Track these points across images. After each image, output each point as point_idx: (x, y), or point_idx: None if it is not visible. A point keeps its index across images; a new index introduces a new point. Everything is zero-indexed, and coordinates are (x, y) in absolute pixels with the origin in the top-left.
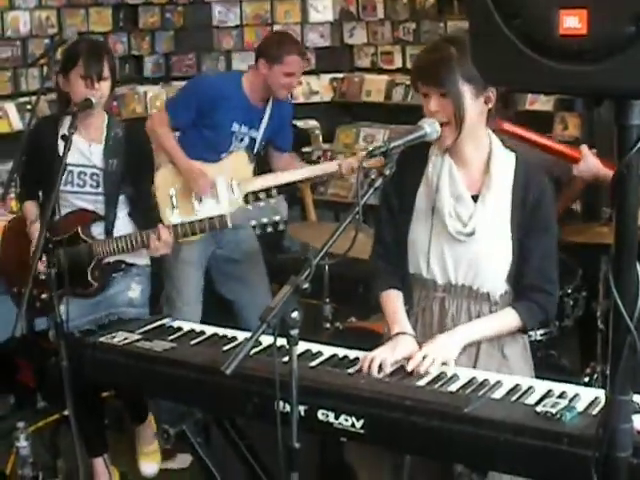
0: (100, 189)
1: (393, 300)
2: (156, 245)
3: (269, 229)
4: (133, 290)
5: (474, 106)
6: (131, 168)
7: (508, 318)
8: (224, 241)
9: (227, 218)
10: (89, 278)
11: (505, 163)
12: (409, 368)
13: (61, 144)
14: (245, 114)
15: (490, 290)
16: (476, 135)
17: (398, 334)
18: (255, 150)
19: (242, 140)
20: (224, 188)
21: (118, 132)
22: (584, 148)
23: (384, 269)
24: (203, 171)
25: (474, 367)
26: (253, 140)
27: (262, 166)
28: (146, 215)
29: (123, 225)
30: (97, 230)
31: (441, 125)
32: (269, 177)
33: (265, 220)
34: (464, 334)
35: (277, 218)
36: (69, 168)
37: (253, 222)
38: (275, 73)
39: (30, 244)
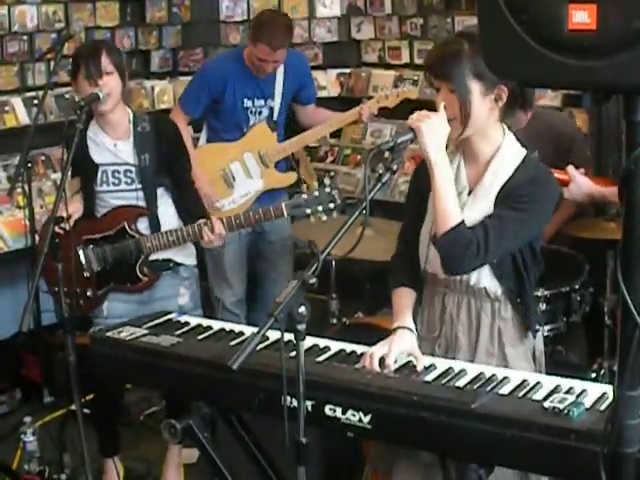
0: (134, 185)
1: (402, 297)
2: (210, 238)
3: (324, 217)
4: (182, 296)
5: (483, 103)
6: (164, 160)
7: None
8: (259, 234)
9: (283, 207)
10: (138, 273)
11: (509, 161)
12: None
13: (90, 145)
14: (253, 87)
15: (487, 286)
16: (486, 132)
17: (396, 328)
18: (275, 117)
19: (260, 113)
20: (254, 164)
21: (145, 126)
22: (571, 169)
23: (400, 266)
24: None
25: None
26: (272, 109)
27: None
28: (191, 205)
29: (170, 219)
30: (142, 225)
31: (449, 120)
32: (294, 141)
33: (320, 208)
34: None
35: (332, 206)
36: (102, 168)
37: (308, 211)
38: (252, 51)
39: (69, 243)
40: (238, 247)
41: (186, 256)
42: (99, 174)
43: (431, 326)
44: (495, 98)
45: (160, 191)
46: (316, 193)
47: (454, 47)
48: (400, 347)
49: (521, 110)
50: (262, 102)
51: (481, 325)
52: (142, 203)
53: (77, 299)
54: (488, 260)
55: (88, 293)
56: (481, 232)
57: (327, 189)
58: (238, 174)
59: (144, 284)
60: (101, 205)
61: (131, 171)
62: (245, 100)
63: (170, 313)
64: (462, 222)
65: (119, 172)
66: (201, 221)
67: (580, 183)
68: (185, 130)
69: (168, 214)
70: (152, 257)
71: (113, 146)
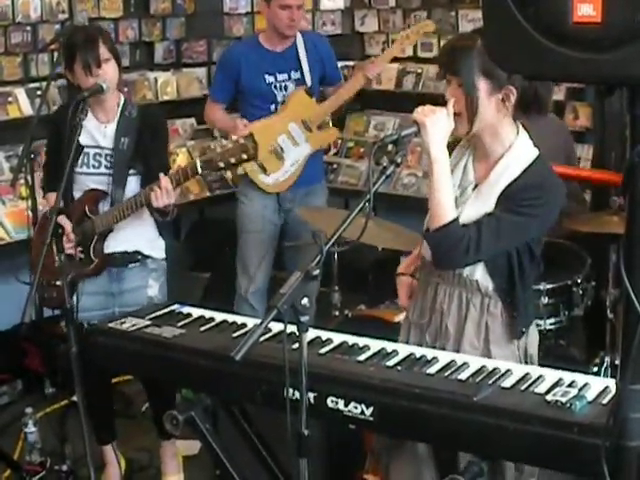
0: (112, 170)
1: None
2: (157, 194)
3: (239, 170)
4: (151, 287)
5: (489, 102)
6: (142, 146)
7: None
8: (295, 210)
9: (197, 164)
10: (91, 255)
11: (518, 161)
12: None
13: (82, 127)
14: (273, 64)
15: (479, 279)
16: (496, 130)
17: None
18: (310, 83)
19: (286, 88)
20: (299, 132)
21: (132, 112)
22: None
23: None
24: (238, 120)
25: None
26: (299, 80)
27: None
28: None
29: None
30: (105, 209)
31: (454, 115)
32: (332, 99)
33: (233, 160)
34: None
35: (244, 156)
36: (85, 150)
37: (222, 164)
38: (273, 10)
39: (42, 234)
40: (266, 236)
41: (154, 249)
42: (81, 155)
43: (422, 312)
44: (502, 98)
45: (131, 178)
46: (230, 145)
47: (466, 42)
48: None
49: (537, 113)
50: (285, 76)
51: (468, 317)
52: (110, 186)
53: (51, 291)
54: (479, 258)
55: (58, 283)
56: (474, 231)
57: (241, 140)
58: (286, 145)
59: (95, 266)
60: (76, 188)
61: (112, 155)
62: (266, 76)
63: (173, 304)
64: (456, 219)
65: (100, 155)
66: (148, 186)
67: None
68: (222, 113)
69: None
70: (120, 249)
71: (102, 129)
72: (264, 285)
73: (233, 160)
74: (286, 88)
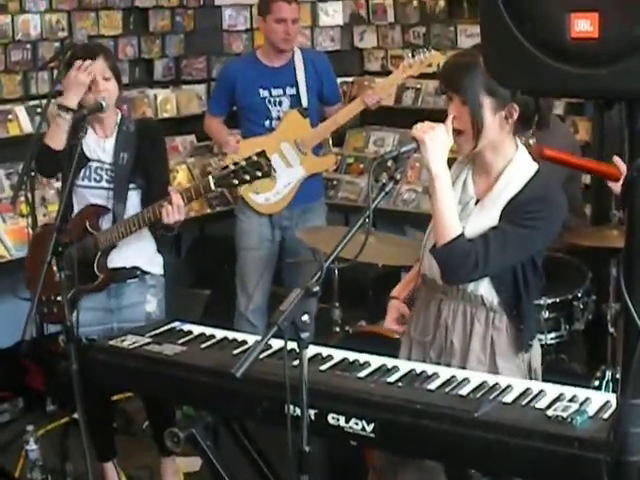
0: (113, 184)
1: (413, 271)
2: (168, 210)
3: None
4: (149, 303)
5: (493, 119)
6: (141, 160)
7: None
8: (292, 228)
9: (210, 180)
10: (95, 271)
11: (519, 175)
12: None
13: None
14: (268, 78)
15: (484, 294)
16: (498, 145)
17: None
18: (305, 103)
19: (280, 103)
20: (292, 152)
21: (130, 127)
22: (619, 162)
23: None
24: (228, 136)
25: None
26: (295, 96)
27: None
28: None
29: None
30: (106, 224)
31: (457, 132)
32: (327, 123)
33: (247, 177)
34: None
35: (258, 173)
36: (89, 163)
37: (235, 181)
38: (269, 25)
39: (42, 249)
40: (264, 254)
41: (152, 265)
42: (84, 168)
43: (425, 330)
44: (506, 115)
45: (132, 193)
46: (242, 163)
47: (469, 59)
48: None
49: (537, 129)
50: (280, 91)
51: (473, 332)
52: (111, 201)
53: (51, 306)
54: (487, 273)
55: (58, 298)
56: (481, 245)
57: (254, 157)
58: (278, 165)
59: (100, 282)
60: (77, 201)
61: (113, 170)
62: (260, 90)
63: (174, 321)
64: (462, 234)
65: (102, 169)
66: (159, 202)
67: None
68: (219, 126)
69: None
70: (119, 265)
71: (101, 143)
72: (263, 302)
73: (247, 177)
74: (280, 103)
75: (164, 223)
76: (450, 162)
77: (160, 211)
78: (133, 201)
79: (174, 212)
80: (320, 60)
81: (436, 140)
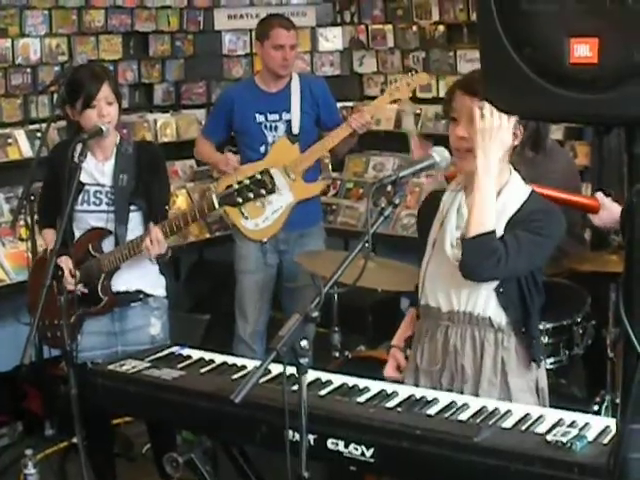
0: (113, 206)
1: (409, 316)
2: (147, 244)
3: (257, 203)
4: (153, 326)
5: None
6: (142, 181)
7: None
8: (290, 252)
9: (214, 198)
10: (99, 294)
11: (516, 196)
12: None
13: (82, 169)
14: (264, 103)
15: (492, 315)
16: (496, 169)
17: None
18: (296, 130)
19: (276, 128)
20: (281, 178)
21: (128, 149)
22: (600, 196)
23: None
24: (222, 157)
25: (477, 394)
26: (289, 122)
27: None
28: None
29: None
30: (108, 247)
31: (465, 151)
32: (314, 148)
33: (251, 195)
34: None
35: (262, 191)
36: (85, 187)
37: (239, 199)
38: (266, 50)
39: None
40: (261, 278)
41: (155, 287)
42: (81, 193)
43: (432, 359)
44: (512, 137)
45: (133, 215)
46: (246, 181)
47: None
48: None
49: (531, 151)
50: (276, 117)
51: (484, 355)
52: (112, 224)
53: (54, 330)
54: (504, 274)
55: (61, 322)
56: (502, 246)
57: (257, 176)
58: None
59: (104, 305)
60: (77, 226)
61: (112, 192)
62: (257, 115)
63: (173, 346)
64: (494, 230)
65: (101, 192)
66: (144, 233)
67: (612, 209)
68: (210, 149)
69: (136, 234)
70: (122, 289)
71: (100, 167)
72: (262, 326)
73: (251, 195)
74: (276, 129)
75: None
76: (441, 192)
77: (142, 243)
78: (135, 222)
79: (154, 246)
80: (317, 85)
81: (499, 133)
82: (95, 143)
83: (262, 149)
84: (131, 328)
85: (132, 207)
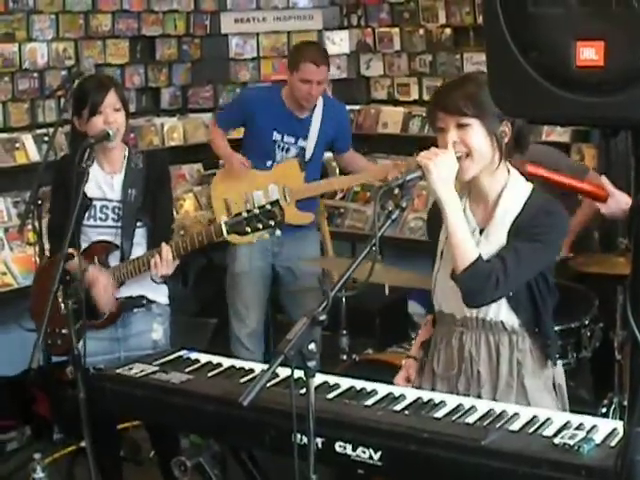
0: (120, 222)
1: (427, 325)
2: (156, 262)
3: (266, 235)
4: (156, 331)
5: (490, 140)
6: (149, 196)
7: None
8: (284, 253)
9: (222, 226)
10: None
11: (517, 196)
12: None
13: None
14: (286, 124)
15: (504, 319)
16: (492, 169)
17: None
18: (308, 158)
19: (288, 150)
20: (276, 195)
21: (138, 163)
22: (608, 185)
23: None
24: (237, 155)
25: (494, 398)
26: (303, 149)
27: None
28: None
29: (140, 253)
30: (114, 261)
31: (458, 158)
32: (321, 184)
33: (260, 225)
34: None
35: (272, 222)
36: (93, 202)
37: (248, 229)
38: (294, 80)
39: (47, 282)
40: (259, 277)
41: (158, 294)
42: (88, 209)
43: (449, 365)
44: (501, 135)
45: (141, 231)
46: (256, 211)
47: (464, 85)
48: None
49: (517, 153)
50: (292, 140)
51: (500, 358)
52: (119, 239)
53: (55, 339)
54: (508, 290)
55: (64, 331)
56: (499, 264)
57: (267, 207)
58: (259, 202)
59: (107, 318)
60: (84, 239)
61: (119, 208)
62: (274, 133)
63: (181, 350)
64: (480, 256)
65: (107, 208)
66: (153, 251)
67: (619, 198)
68: (221, 138)
69: (141, 252)
70: (125, 294)
71: (109, 180)
72: (259, 327)
73: (260, 226)
74: (288, 150)
75: (152, 275)
76: None
77: (150, 260)
78: (138, 237)
79: (162, 266)
80: (339, 112)
81: (442, 166)
82: (103, 155)
83: (268, 163)
84: (133, 333)
85: (138, 223)
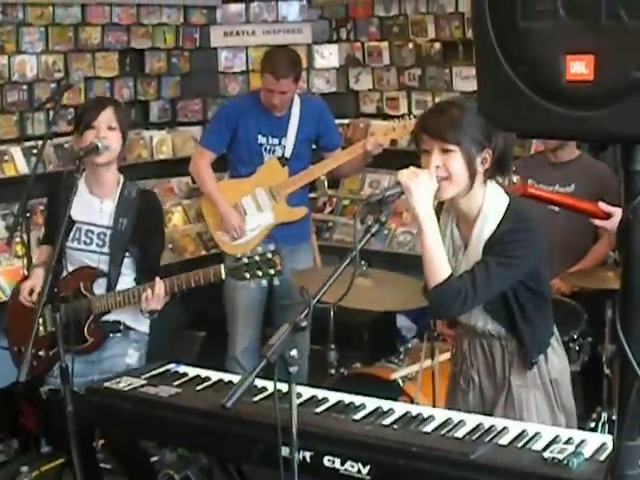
0: (105, 249)
1: None
2: (148, 296)
3: (264, 282)
4: (130, 357)
5: (467, 166)
6: (140, 230)
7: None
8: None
9: (222, 270)
10: (85, 334)
11: (493, 215)
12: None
13: (73, 200)
14: (267, 125)
15: (490, 328)
16: (471, 193)
17: None
18: (288, 154)
19: (274, 152)
20: (265, 198)
21: (131, 192)
22: (605, 206)
23: None
24: (235, 213)
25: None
26: (285, 147)
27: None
28: (150, 278)
29: (126, 284)
30: (99, 288)
31: (439, 179)
32: (302, 174)
33: (260, 273)
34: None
35: (272, 271)
36: (77, 225)
37: (247, 275)
38: (263, 87)
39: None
40: (253, 295)
41: (138, 322)
42: (73, 230)
43: (456, 361)
44: (482, 161)
45: (128, 261)
46: (257, 258)
47: (449, 112)
48: None
49: (500, 175)
50: (276, 141)
51: (495, 360)
52: (104, 265)
53: (32, 359)
54: (476, 304)
55: (40, 353)
56: (469, 280)
57: (268, 255)
58: (249, 208)
59: (89, 345)
60: (70, 261)
61: (105, 234)
62: (259, 136)
63: (169, 363)
64: (451, 275)
65: (92, 232)
66: (146, 284)
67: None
68: (208, 173)
69: (127, 282)
70: (103, 318)
71: (97, 204)
72: (253, 344)
73: (260, 273)
74: (274, 152)
75: (142, 308)
76: (436, 212)
77: (141, 293)
78: (125, 269)
79: (153, 300)
80: (317, 107)
81: (421, 185)
82: (93, 178)
83: (259, 169)
84: (107, 356)
85: (127, 253)
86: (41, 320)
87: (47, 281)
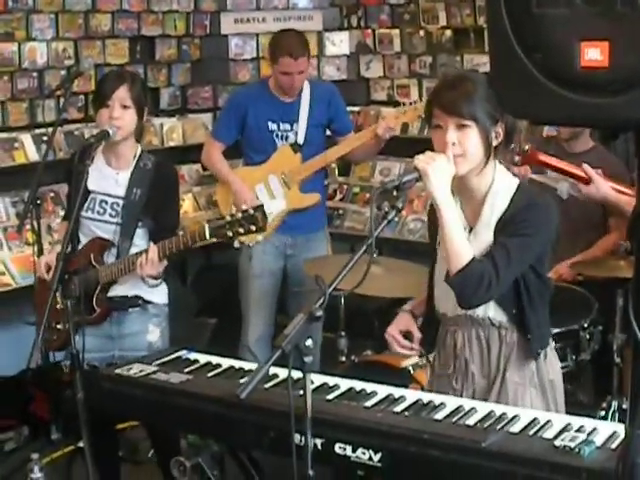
0: (117, 219)
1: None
2: (142, 261)
3: (247, 240)
4: (151, 333)
5: (483, 141)
6: (153, 200)
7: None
8: (296, 255)
9: (206, 229)
10: (94, 304)
11: (503, 193)
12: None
13: (88, 173)
14: (278, 111)
15: (491, 315)
16: (481, 169)
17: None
18: (301, 140)
19: (287, 138)
20: (277, 184)
21: (147, 163)
22: (588, 169)
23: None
24: (248, 190)
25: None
26: (297, 133)
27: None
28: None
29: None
30: (110, 258)
31: (455, 157)
32: (315, 160)
33: (242, 230)
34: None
35: (253, 227)
36: (92, 195)
37: (230, 233)
38: (275, 72)
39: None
40: (266, 282)
41: (155, 294)
42: (88, 200)
43: (446, 363)
44: (495, 136)
45: (140, 231)
46: (239, 215)
47: (463, 86)
48: (401, 326)
49: (505, 149)
50: (288, 126)
51: (491, 353)
52: (117, 236)
53: (51, 334)
54: (500, 291)
55: (59, 326)
56: (490, 264)
57: (250, 211)
58: (262, 196)
59: (96, 316)
60: (82, 231)
61: (118, 204)
62: (270, 123)
63: (180, 350)
64: (474, 258)
65: (106, 202)
66: (142, 250)
67: (599, 184)
68: (219, 160)
69: (140, 249)
70: (120, 293)
71: (114, 175)
72: (267, 332)
73: (241, 230)
74: (287, 138)
75: (139, 274)
76: None
77: (136, 260)
78: (138, 239)
79: (147, 265)
80: (327, 91)
81: (438, 170)
82: (111, 150)
83: (271, 156)
84: (128, 333)
85: (139, 223)
86: (58, 293)
87: (62, 254)
